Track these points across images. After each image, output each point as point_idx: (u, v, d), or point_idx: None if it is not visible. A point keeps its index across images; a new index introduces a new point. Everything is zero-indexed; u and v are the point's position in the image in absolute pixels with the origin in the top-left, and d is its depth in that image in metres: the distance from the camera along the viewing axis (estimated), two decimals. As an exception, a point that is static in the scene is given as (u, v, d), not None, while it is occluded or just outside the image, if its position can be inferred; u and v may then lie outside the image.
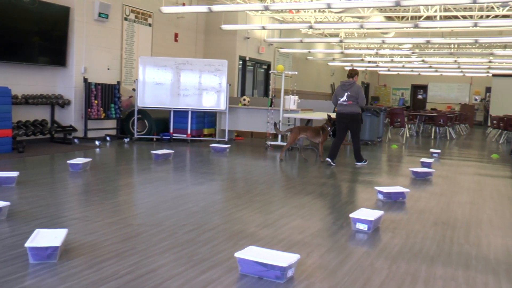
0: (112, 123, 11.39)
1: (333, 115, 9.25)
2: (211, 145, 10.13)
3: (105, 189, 5.81)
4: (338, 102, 8.64)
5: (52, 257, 3.32)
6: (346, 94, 8.52)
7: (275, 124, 9.76)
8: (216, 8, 12.08)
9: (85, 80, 10.43)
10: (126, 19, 12.19)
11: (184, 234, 4.10)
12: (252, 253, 3.30)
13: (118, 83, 11.32)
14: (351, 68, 8.98)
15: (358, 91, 8.52)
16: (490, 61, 22.29)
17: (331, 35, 20.19)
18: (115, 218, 4.48)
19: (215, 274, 3.23)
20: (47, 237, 3.46)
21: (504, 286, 3.32)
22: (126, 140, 10.95)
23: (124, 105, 11.70)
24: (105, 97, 10.92)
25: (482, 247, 4.16)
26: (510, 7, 13.67)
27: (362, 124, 8.93)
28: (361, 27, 14.70)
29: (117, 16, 11.58)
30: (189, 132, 11.30)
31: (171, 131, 11.34)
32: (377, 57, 23.83)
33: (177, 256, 3.54)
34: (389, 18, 16.11)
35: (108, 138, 10.92)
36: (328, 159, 8.59)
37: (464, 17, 14.46)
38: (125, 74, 12.35)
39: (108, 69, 11.32)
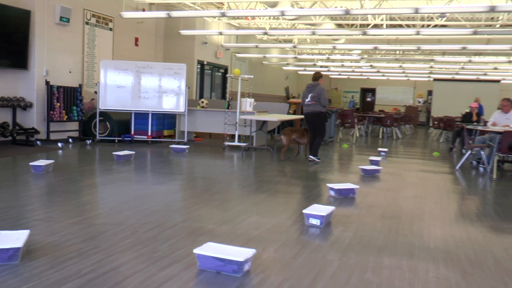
0: (74, 125, 11.13)
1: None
2: (171, 146, 10.04)
3: (67, 190, 5.68)
4: (304, 103, 9.03)
5: (13, 259, 3.21)
6: (310, 95, 8.92)
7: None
8: (175, 14, 11.98)
9: (47, 83, 10.15)
10: (87, 23, 11.93)
11: (145, 232, 4.05)
12: (210, 249, 3.30)
13: (80, 86, 11.08)
14: (316, 71, 9.36)
15: (321, 92, 8.85)
16: (431, 67, 23.00)
17: (285, 41, 20.36)
18: (77, 218, 4.39)
19: (175, 270, 3.21)
20: (8, 239, 3.34)
21: (442, 271, 3.44)
22: (88, 141, 10.72)
23: (86, 107, 11.46)
24: (67, 100, 10.66)
25: (424, 237, 4.29)
26: (447, 17, 14.15)
27: (327, 122, 9.37)
28: (313, 33, 14.88)
29: (78, 20, 11.32)
30: (149, 133, 11.16)
31: (132, 132, 11.17)
32: (328, 62, 24.17)
33: (138, 254, 3.50)
34: (339, 26, 16.38)
35: (70, 140, 10.65)
36: (311, 157, 9.02)
37: (408, 26, 14.86)
38: (87, 77, 12.09)
39: (70, 72, 11.05)
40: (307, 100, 8.98)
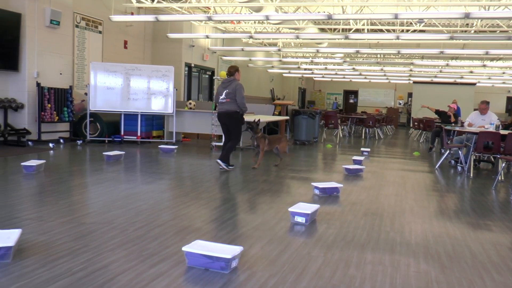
0: (65, 126, 11.00)
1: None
2: (159, 146, 9.98)
3: (58, 189, 5.61)
4: (219, 101, 7.57)
5: (5, 257, 3.16)
6: (225, 91, 7.42)
7: None
8: (162, 17, 11.92)
9: (38, 84, 10.03)
10: (77, 26, 11.82)
11: (134, 231, 4.01)
12: (199, 247, 3.28)
13: (71, 87, 10.96)
14: (231, 65, 7.87)
15: (236, 88, 7.36)
16: (411, 70, 23.19)
17: (270, 44, 20.37)
18: (68, 218, 4.33)
19: (164, 268, 3.19)
20: (0, 238, 3.29)
21: (422, 266, 3.46)
22: (79, 142, 10.60)
23: (76, 108, 11.33)
24: (58, 101, 10.54)
25: (405, 233, 4.32)
26: (426, 23, 14.29)
27: (245, 125, 7.80)
28: (297, 37, 14.92)
29: (68, 23, 11.18)
30: (139, 134, 11.08)
31: (122, 133, 11.08)
32: (312, 65, 24.23)
33: (128, 252, 3.47)
34: (322, 30, 16.43)
35: (61, 141, 10.53)
36: (220, 162, 7.59)
37: (388, 31, 14.96)
38: (77, 79, 11.98)
39: (61, 74, 10.92)
40: (221, 97, 7.46)
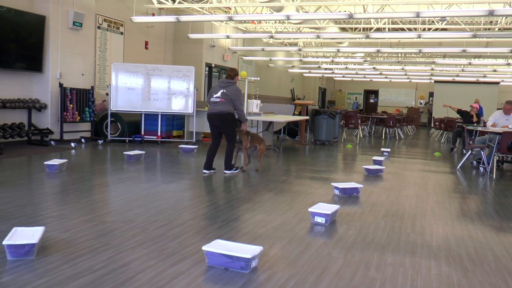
0: (86, 126, 11.16)
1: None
2: (180, 146, 10.04)
3: (80, 188, 5.69)
4: (211, 100, 7.04)
5: (29, 254, 3.22)
6: (221, 91, 6.94)
7: None
8: (183, 18, 12.00)
9: (60, 85, 10.19)
10: (99, 27, 11.97)
11: (154, 229, 4.05)
12: (219, 246, 3.29)
13: (92, 88, 11.11)
14: (231, 68, 7.40)
15: (236, 92, 6.96)
16: (432, 69, 22.89)
17: (291, 44, 20.34)
18: (89, 216, 4.39)
19: (184, 266, 3.21)
20: (24, 235, 3.36)
21: (444, 269, 3.41)
22: (100, 142, 10.74)
23: (98, 108, 11.49)
24: (80, 101, 10.69)
25: (426, 235, 4.27)
26: (448, 21, 14.09)
27: (243, 128, 7.38)
28: (318, 37, 14.86)
29: (91, 25, 11.34)
30: (159, 134, 11.17)
31: (143, 133, 11.19)
32: (332, 64, 24.11)
33: (148, 251, 3.50)
34: (343, 29, 16.33)
35: (83, 140, 10.68)
36: (227, 172, 7.25)
37: (409, 29, 14.80)
38: (98, 80, 12.13)
39: (83, 74, 11.08)
40: (215, 95, 6.94)
